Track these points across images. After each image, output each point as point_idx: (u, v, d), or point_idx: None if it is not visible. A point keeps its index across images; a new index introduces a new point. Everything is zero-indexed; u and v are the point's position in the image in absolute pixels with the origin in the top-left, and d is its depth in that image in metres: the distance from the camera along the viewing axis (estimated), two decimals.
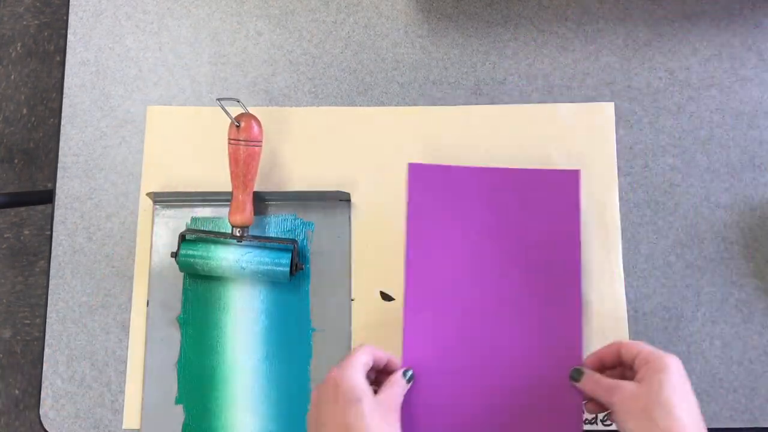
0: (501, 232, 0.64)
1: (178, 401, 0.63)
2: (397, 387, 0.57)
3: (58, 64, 1.49)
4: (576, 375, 0.57)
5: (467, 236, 0.64)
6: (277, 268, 0.62)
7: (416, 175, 0.66)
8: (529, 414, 0.61)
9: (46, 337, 0.66)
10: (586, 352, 0.62)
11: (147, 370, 0.64)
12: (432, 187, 0.65)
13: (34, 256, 1.43)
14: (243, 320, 0.65)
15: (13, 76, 1.49)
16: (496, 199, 0.65)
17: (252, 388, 0.63)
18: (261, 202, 0.67)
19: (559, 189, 0.65)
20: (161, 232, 0.66)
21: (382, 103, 0.69)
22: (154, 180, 0.68)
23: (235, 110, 0.63)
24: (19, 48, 1.50)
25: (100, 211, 0.68)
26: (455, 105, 0.69)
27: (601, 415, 0.62)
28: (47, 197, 1.10)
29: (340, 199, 0.66)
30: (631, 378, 0.52)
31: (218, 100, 0.61)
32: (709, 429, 0.63)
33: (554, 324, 0.63)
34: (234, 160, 0.62)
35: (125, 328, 0.66)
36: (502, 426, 0.61)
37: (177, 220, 0.67)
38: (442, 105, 0.69)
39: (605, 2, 0.71)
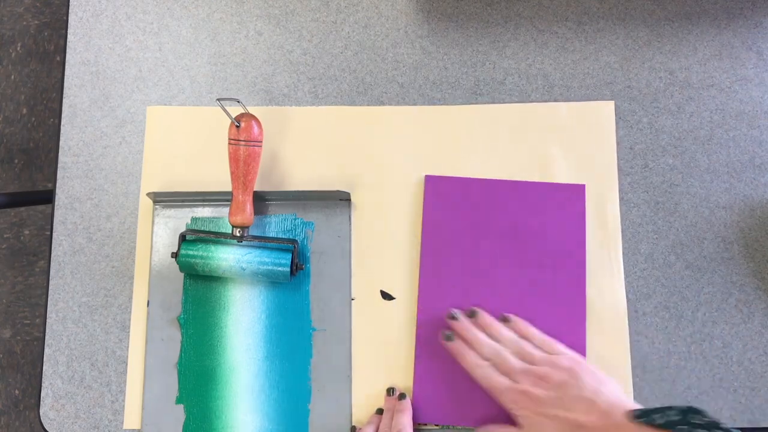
0: (511, 241, 0.65)
1: (178, 401, 0.63)
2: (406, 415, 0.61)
3: (58, 64, 1.49)
4: None
5: (479, 243, 0.65)
6: (278, 268, 0.62)
7: (432, 186, 0.66)
8: None
9: (46, 337, 0.66)
10: (589, 351, 0.63)
11: (147, 370, 0.64)
12: (446, 197, 0.66)
13: (34, 256, 1.43)
14: (243, 320, 0.65)
15: (13, 76, 1.49)
16: (507, 210, 0.66)
17: (253, 388, 0.63)
18: (261, 202, 0.67)
19: (566, 201, 0.66)
20: (161, 232, 0.67)
21: (382, 103, 0.69)
22: (154, 180, 0.68)
23: (235, 110, 0.63)
24: (19, 48, 1.50)
25: (100, 211, 0.68)
26: (455, 105, 0.69)
27: None
28: (47, 197, 1.11)
29: (340, 199, 0.67)
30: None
31: (218, 100, 0.61)
32: None
33: (561, 328, 0.63)
34: (234, 160, 0.62)
35: (125, 328, 0.66)
36: (508, 418, 0.62)
37: (177, 220, 0.67)
38: (442, 105, 0.69)
39: (605, 2, 0.71)
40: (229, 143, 0.62)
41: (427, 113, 0.69)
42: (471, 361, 0.60)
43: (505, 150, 0.68)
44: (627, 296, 0.65)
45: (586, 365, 0.57)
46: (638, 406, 0.53)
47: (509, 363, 0.58)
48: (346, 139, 0.69)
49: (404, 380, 0.64)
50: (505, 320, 0.62)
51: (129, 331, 0.65)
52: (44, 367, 0.65)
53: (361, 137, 0.69)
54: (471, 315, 0.62)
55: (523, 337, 0.60)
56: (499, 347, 0.59)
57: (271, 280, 0.63)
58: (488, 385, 0.58)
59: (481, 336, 0.60)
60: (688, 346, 0.64)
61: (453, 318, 0.62)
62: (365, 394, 0.63)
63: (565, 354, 0.58)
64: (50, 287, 0.67)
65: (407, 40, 0.71)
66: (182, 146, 0.69)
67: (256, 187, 0.65)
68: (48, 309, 0.66)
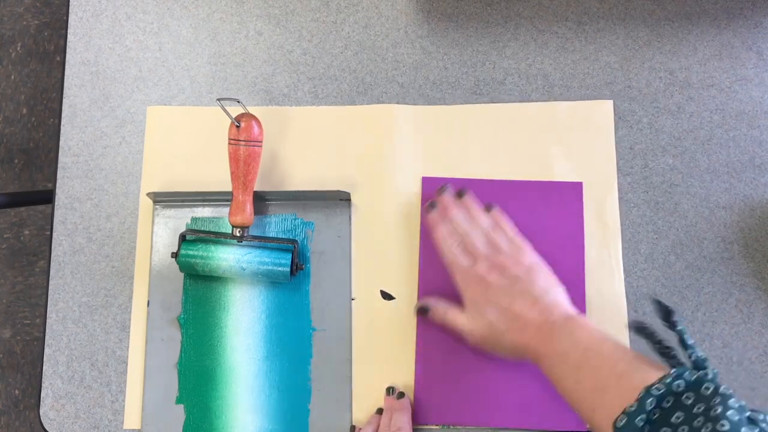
0: None
1: (178, 401, 0.63)
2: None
3: (58, 64, 1.49)
4: (423, 312, 0.63)
5: None
6: (278, 268, 0.62)
7: (429, 188, 0.66)
8: (534, 407, 0.62)
9: (46, 337, 0.66)
10: None
11: (147, 370, 0.64)
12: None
13: (34, 256, 1.43)
14: (243, 320, 0.65)
15: (13, 76, 1.49)
16: (504, 209, 0.66)
17: (252, 388, 0.63)
18: (261, 201, 0.67)
19: (563, 199, 0.66)
20: (161, 232, 0.67)
21: (382, 103, 0.69)
22: (154, 180, 0.68)
23: (235, 110, 0.63)
24: (19, 48, 1.50)
25: (100, 211, 0.68)
26: (455, 105, 0.69)
27: None
28: (47, 197, 1.10)
29: (340, 199, 0.67)
30: None
31: (218, 100, 0.61)
32: None
33: None
34: (234, 160, 0.62)
35: (125, 328, 0.66)
36: (508, 417, 0.62)
37: (177, 220, 0.67)
38: (442, 105, 0.69)
39: (605, 2, 0.71)
40: (229, 143, 0.62)
41: (427, 113, 0.69)
42: (441, 232, 0.62)
43: (504, 150, 0.68)
44: (627, 296, 0.65)
45: (544, 268, 0.59)
46: (576, 312, 0.55)
47: (475, 244, 0.60)
48: (346, 139, 0.69)
49: (404, 380, 0.64)
50: (488, 208, 0.64)
51: (129, 331, 0.65)
52: (44, 367, 0.65)
53: (361, 137, 0.69)
54: (459, 194, 0.64)
55: (498, 227, 0.62)
56: (471, 228, 0.62)
57: (271, 280, 0.63)
58: (449, 260, 0.61)
59: (460, 214, 0.63)
60: None
61: (441, 190, 0.64)
62: (365, 394, 0.63)
63: (529, 253, 0.60)
64: (50, 287, 0.67)
65: (407, 40, 0.71)
66: (182, 146, 0.69)
67: (256, 187, 0.65)
68: (48, 309, 0.66)
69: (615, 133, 0.68)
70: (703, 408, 0.42)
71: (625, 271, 0.66)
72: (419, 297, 0.64)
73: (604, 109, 0.69)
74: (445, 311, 0.61)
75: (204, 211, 0.67)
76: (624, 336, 0.64)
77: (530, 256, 0.60)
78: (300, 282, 0.65)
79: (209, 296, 0.65)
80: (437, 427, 0.63)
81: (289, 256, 0.63)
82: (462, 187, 0.65)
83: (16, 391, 1.39)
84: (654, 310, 0.51)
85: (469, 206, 0.64)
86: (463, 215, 0.63)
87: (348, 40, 0.71)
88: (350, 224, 0.67)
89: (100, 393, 0.65)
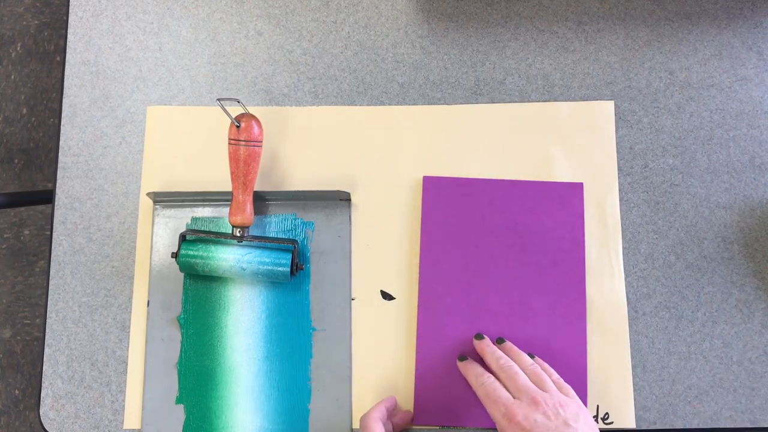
0: (511, 240, 0.65)
1: (178, 401, 0.63)
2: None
3: (58, 64, 1.49)
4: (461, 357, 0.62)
5: (478, 242, 0.65)
6: (278, 269, 0.62)
7: (430, 187, 0.66)
8: None
9: (46, 337, 0.66)
10: (589, 351, 0.63)
11: (147, 370, 0.64)
12: (445, 197, 0.66)
13: (34, 256, 1.43)
14: (243, 320, 0.65)
15: (13, 76, 1.49)
16: (505, 209, 0.66)
17: (253, 388, 0.63)
18: (261, 201, 0.67)
19: (564, 199, 0.66)
20: (161, 232, 0.67)
21: (382, 103, 0.69)
22: (154, 180, 0.68)
23: (236, 110, 0.63)
24: (19, 48, 1.50)
25: (100, 211, 0.68)
26: (455, 105, 0.69)
27: (601, 413, 0.62)
28: (47, 197, 1.10)
29: (340, 199, 0.67)
30: None
31: (218, 100, 0.61)
32: (709, 429, 0.63)
33: (561, 327, 0.63)
34: (234, 160, 0.62)
35: (125, 328, 0.66)
36: None
37: (177, 220, 0.67)
38: (442, 105, 0.69)
39: (605, 2, 0.71)
40: (229, 143, 0.62)
41: (427, 113, 0.69)
42: (476, 369, 0.59)
43: (505, 150, 0.68)
44: (627, 296, 0.65)
45: (590, 418, 0.55)
46: None
47: (520, 380, 0.56)
48: (346, 139, 0.69)
49: (404, 380, 0.64)
50: (530, 356, 0.61)
51: (129, 331, 0.65)
52: (44, 367, 0.65)
53: (361, 137, 0.69)
54: (499, 342, 0.62)
55: (542, 369, 0.59)
56: (514, 364, 0.58)
57: (271, 280, 0.63)
58: (486, 391, 0.56)
59: (500, 352, 0.60)
60: (688, 346, 0.64)
61: (480, 338, 0.62)
62: (365, 394, 0.63)
63: (576, 399, 0.57)
64: (50, 287, 0.67)
65: (407, 40, 0.71)
66: (182, 146, 0.69)
67: (256, 187, 0.65)
68: (48, 309, 0.66)
69: (615, 133, 0.68)
70: None
71: (625, 271, 0.66)
72: (419, 297, 0.64)
73: (605, 109, 0.69)
74: None
75: (204, 211, 0.67)
76: (625, 336, 0.64)
77: (577, 403, 0.56)
78: (300, 282, 0.65)
79: (209, 296, 0.65)
80: (437, 428, 0.63)
81: (289, 256, 0.63)
82: (499, 337, 0.63)
83: (16, 391, 1.39)
84: None
85: (510, 349, 0.61)
86: (503, 354, 0.60)
87: (348, 40, 0.71)
88: (350, 224, 0.67)
89: (100, 393, 0.65)
